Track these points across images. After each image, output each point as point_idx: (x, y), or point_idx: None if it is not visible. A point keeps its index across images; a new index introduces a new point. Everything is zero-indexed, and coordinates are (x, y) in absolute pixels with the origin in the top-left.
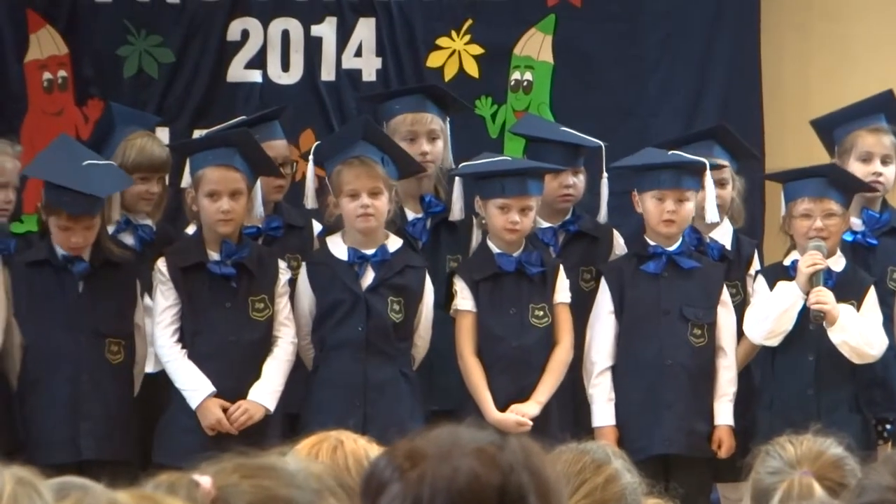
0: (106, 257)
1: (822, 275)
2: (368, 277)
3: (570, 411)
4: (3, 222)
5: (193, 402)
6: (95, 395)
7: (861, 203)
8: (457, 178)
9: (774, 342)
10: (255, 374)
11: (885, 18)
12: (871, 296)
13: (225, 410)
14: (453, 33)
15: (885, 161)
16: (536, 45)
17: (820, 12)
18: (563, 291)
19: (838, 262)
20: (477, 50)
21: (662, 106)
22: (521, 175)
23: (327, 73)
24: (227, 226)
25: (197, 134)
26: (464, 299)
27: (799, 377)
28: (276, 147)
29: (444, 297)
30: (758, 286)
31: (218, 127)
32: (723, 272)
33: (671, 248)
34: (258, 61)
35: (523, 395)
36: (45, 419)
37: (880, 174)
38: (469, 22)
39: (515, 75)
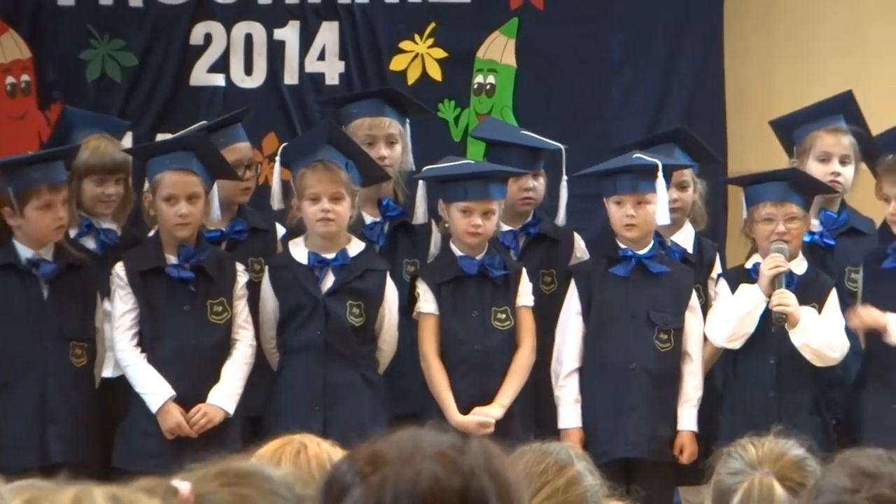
0: (68, 260)
1: (784, 277)
2: (328, 281)
3: (532, 414)
4: None
5: (153, 406)
6: (61, 399)
7: (819, 204)
8: (420, 182)
9: (736, 345)
10: (215, 378)
11: (847, 21)
12: (833, 298)
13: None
14: (416, 37)
15: (843, 161)
16: (499, 49)
17: (783, 15)
18: (525, 294)
19: (800, 265)
20: (440, 53)
21: (626, 109)
22: (484, 179)
23: (290, 77)
24: (185, 230)
25: (160, 138)
26: (426, 302)
27: (760, 380)
28: (240, 149)
29: (407, 300)
30: (720, 289)
31: (183, 131)
32: (692, 277)
33: (642, 252)
34: (221, 65)
35: (486, 398)
36: (13, 424)
37: (838, 174)
38: (432, 25)
39: (478, 79)
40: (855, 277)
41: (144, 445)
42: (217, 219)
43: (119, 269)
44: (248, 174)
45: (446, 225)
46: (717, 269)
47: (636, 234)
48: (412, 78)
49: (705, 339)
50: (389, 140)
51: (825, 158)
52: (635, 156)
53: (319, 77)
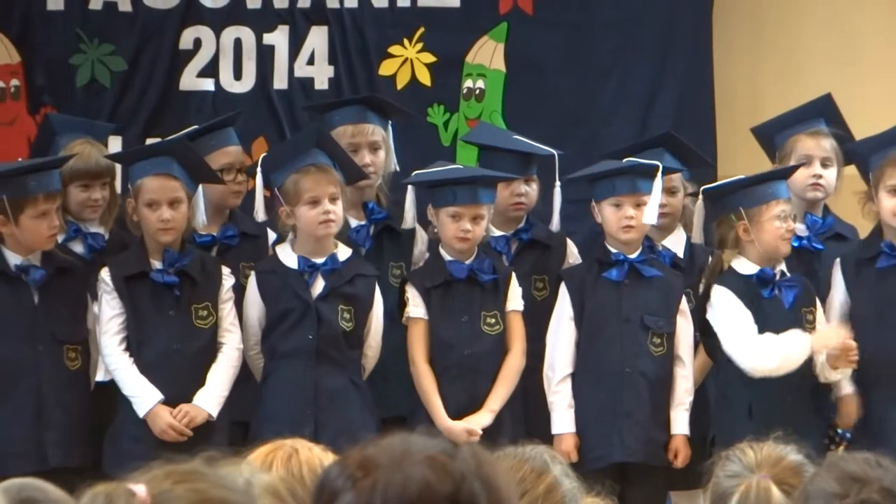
0: (57, 264)
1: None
2: (318, 286)
3: (522, 420)
4: None
5: (141, 410)
6: (57, 402)
7: (804, 208)
8: (409, 187)
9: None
10: (201, 382)
11: (834, 26)
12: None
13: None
14: (405, 41)
15: (825, 164)
16: (489, 53)
17: (771, 20)
18: (515, 299)
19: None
20: (429, 58)
21: (615, 114)
22: (473, 183)
23: (280, 82)
24: (168, 234)
25: (150, 142)
26: (416, 307)
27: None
28: (232, 153)
29: (396, 305)
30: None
31: (173, 136)
32: (682, 281)
33: (633, 256)
34: (210, 70)
35: (475, 403)
36: (10, 429)
37: (820, 176)
38: (421, 30)
39: (468, 83)
40: None
41: (132, 450)
42: (203, 223)
43: (105, 274)
44: (240, 178)
45: (435, 230)
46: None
47: (635, 235)
48: (401, 83)
49: (696, 344)
50: (373, 147)
51: (806, 162)
52: (626, 160)
53: (309, 82)
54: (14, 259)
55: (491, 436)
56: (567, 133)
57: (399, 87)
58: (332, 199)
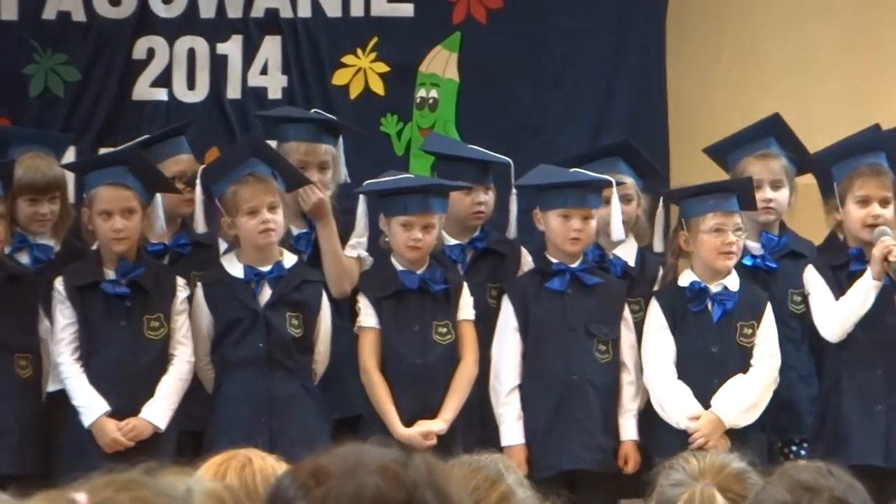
0: (8, 272)
1: None
2: (266, 294)
3: (475, 428)
4: None
5: (87, 420)
6: (9, 411)
7: (758, 227)
8: (361, 196)
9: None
10: (151, 394)
11: (791, 38)
12: (769, 313)
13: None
14: (359, 51)
15: (775, 186)
16: (442, 63)
17: (727, 31)
18: (466, 308)
19: (734, 282)
20: (382, 68)
21: (568, 123)
22: (424, 192)
23: (233, 91)
24: (121, 244)
25: (104, 152)
26: (367, 316)
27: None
28: (183, 161)
29: (348, 315)
30: (651, 309)
31: (125, 145)
32: (624, 288)
33: (574, 265)
34: (164, 79)
35: (428, 412)
36: None
37: (770, 200)
38: (375, 40)
39: (421, 93)
40: (798, 300)
41: (81, 460)
42: (162, 230)
43: (58, 283)
44: (193, 186)
45: (387, 239)
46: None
47: (580, 248)
48: (355, 92)
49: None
50: (322, 166)
51: (757, 185)
52: (573, 170)
53: (262, 91)
54: None
55: (444, 445)
56: (520, 142)
57: (352, 96)
58: (271, 208)
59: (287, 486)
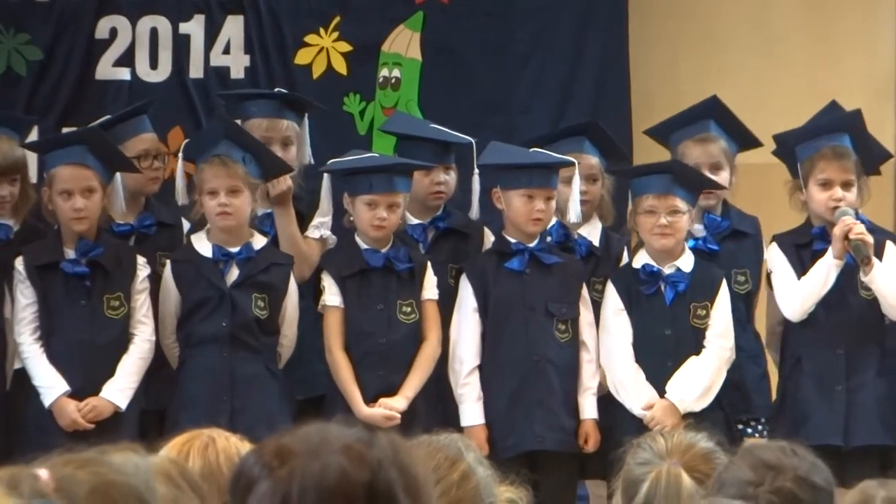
0: None
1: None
2: (233, 274)
3: (437, 408)
4: None
5: (47, 400)
6: None
7: (701, 208)
8: (325, 175)
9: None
10: (111, 373)
11: (754, 18)
12: (724, 291)
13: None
14: (321, 30)
15: (715, 169)
16: (405, 42)
17: (689, 12)
18: (430, 288)
19: (687, 262)
20: (345, 47)
21: (532, 103)
22: (389, 172)
23: (196, 71)
24: (81, 224)
25: (66, 132)
26: (331, 295)
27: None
28: (146, 140)
29: (313, 293)
30: (608, 291)
31: (92, 125)
32: (583, 267)
33: (532, 245)
34: (127, 59)
35: (392, 391)
36: None
37: None
38: (337, 19)
39: (384, 72)
40: (741, 279)
41: (43, 439)
42: (122, 210)
43: (19, 263)
44: (156, 164)
45: (351, 218)
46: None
47: (541, 228)
48: (317, 72)
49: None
50: (285, 142)
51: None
52: (533, 150)
53: (225, 71)
54: None
55: (406, 424)
56: (484, 121)
57: (315, 76)
58: (231, 192)
59: (251, 465)
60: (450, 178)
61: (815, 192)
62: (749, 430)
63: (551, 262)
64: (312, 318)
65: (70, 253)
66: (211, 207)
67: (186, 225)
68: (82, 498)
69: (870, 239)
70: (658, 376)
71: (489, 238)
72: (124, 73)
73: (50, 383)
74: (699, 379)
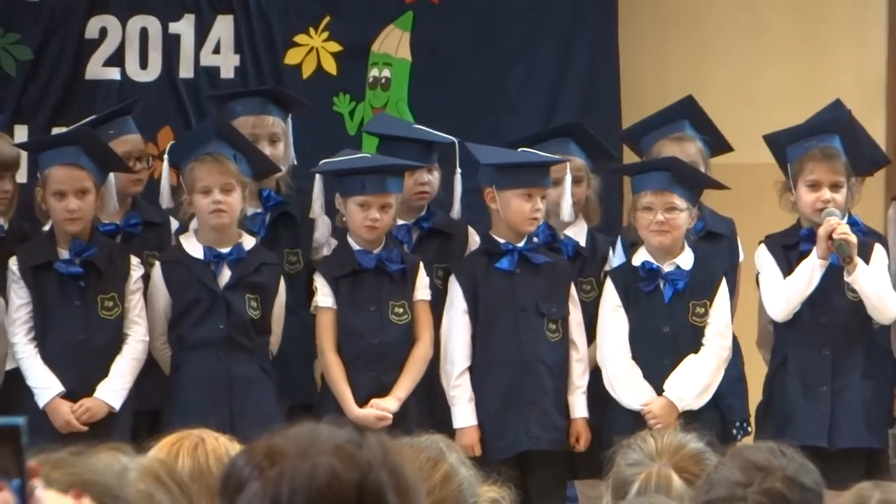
0: None
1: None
2: (225, 276)
3: (429, 409)
4: None
5: (41, 401)
6: None
7: None
8: (317, 176)
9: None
10: (105, 374)
11: (744, 16)
12: (724, 288)
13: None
14: (311, 30)
15: None
16: (394, 42)
17: (679, 11)
18: (423, 289)
19: (687, 260)
20: (335, 47)
21: (521, 103)
22: (381, 172)
23: (185, 71)
24: (75, 224)
25: (56, 132)
26: (324, 296)
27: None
28: (131, 141)
29: (305, 295)
30: (607, 288)
31: (77, 125)
32: (570, 267)
33: (521, 245)
34: (116, 59)
35: (384, 392)
36: None
37: None
38: (327, 19)
39: (373, 72)
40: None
41: (33, 441)
42: (114, 210)
43: (13, 263)
44: (140, 166)
45: (343, 219)
46: (611, 264)
47: (536, 227)
48: (307, 72)
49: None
50: (272, 139)
51: None
52: (521, 151)
53: (215, 71)
54: None
55: (398, 424)
56: (474, 122)
57: (305, 76)
58: (225, 190)
59: (241, 466)
60: (433, 178)
61: (803, 193)
62: (734, 433)
63: (540, 262)
64: (299, 323)
65: (64, 253)
66: (203, 206)
67: (175, 224)
68: None
69: (853, 239)
70: (655, 374)
71: (474, 238)
72: (114, 73)
73: (44, 384)
74: (698, 378)
